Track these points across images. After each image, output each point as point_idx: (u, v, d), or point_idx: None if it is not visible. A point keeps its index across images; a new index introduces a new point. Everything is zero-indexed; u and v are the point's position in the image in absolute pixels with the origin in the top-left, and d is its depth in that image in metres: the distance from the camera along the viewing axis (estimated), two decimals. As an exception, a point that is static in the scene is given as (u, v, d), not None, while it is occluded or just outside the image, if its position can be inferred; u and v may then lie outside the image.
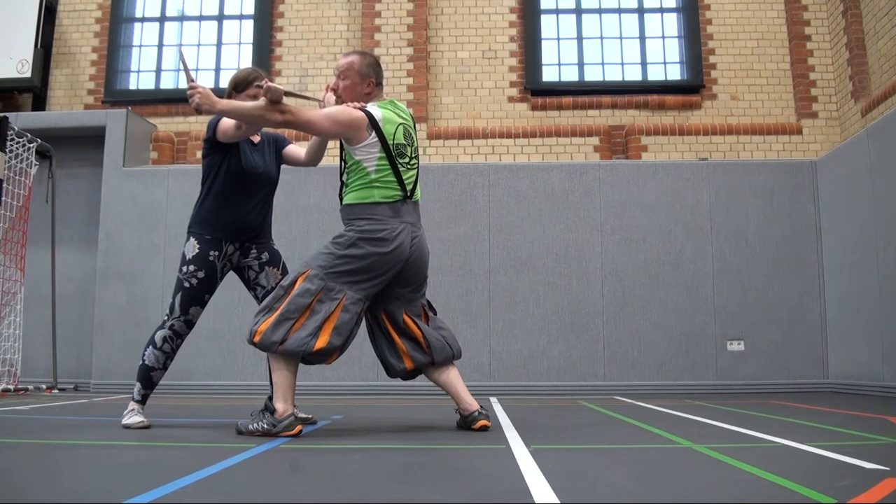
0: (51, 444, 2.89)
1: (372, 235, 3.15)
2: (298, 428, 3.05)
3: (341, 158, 3.36)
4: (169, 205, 6.70)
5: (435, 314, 3.50)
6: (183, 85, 7.71)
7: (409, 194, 3.26)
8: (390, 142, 3.20)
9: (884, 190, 5.64)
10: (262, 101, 3.13)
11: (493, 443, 2.90)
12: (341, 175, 3.35)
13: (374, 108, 3.23)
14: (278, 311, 3.07)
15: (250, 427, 3.10)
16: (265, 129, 3.72)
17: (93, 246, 6.92)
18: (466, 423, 3.32)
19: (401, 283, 3.30)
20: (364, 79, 3.32)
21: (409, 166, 3.29)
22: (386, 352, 3.35)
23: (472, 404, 3.33)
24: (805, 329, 6.39)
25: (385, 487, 1.99)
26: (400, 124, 3.28)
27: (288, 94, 3.18)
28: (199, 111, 3.15)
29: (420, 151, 7.06)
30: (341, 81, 3.33)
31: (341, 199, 3.31)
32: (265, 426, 3.06)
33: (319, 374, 6.09)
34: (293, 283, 3.13)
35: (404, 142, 3.27)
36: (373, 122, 3.18)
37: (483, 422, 3.28)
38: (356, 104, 3.26)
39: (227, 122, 3.34)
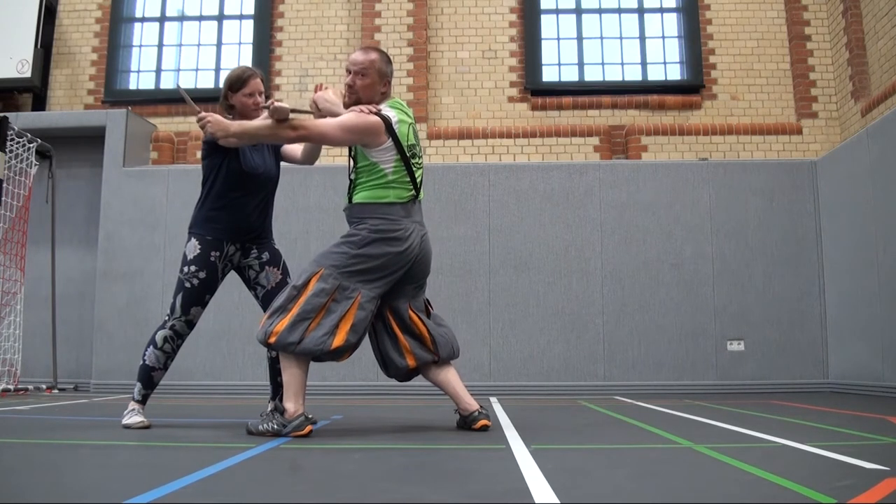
0: (51, 444, 2.89)
1: (387, 235, 3.16)
2: (308, 428, 3.04)
3: (350, 157, 3.34)
4: (169, 205, 6.70)
5: (433, 310, 3.51)
6: (183, 85, 7.73)
7: (417, 194, 3.30)
8: (405, 143, 3.22)
9: (884, 190, 5.64)
10: (270, 120, 3.14)
11: (493, 443, 2.90)
12: (350, 174, 3.34)
13: (389, 111, 3.21)
14: (294, 312, 3.06)
15: (260, 427, 3.10)
16: None
17: (93, 246, 6.92)
18: (466, 423, 3.32)
19: (407, 280, 3.31)
20: (383, 78, 3.29)
21: (418, 166, 3.31)
22: (389, 349, 3.34)
23: (471, 404, 3.33)
24: (805, 329, 6.39)
25: (385, 487, 1.99)
26: (409, 124, 3.30)
27: (294, 110, 3.19)
28: (213, 139, 3.20)
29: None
30: (359, 79, 3.26)
31: (350, 199, 3.29)
32: (275, 427, 3.05)
33: (319, 374, 6.09)
34: (307, 282, 3.11)
35: (414, 142, 3.31)
36: (389, 127, 3.16)
37: (483, 421, 3.28)
38: (370, 107, 3.21)
39: None
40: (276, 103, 3.13)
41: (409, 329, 3.33)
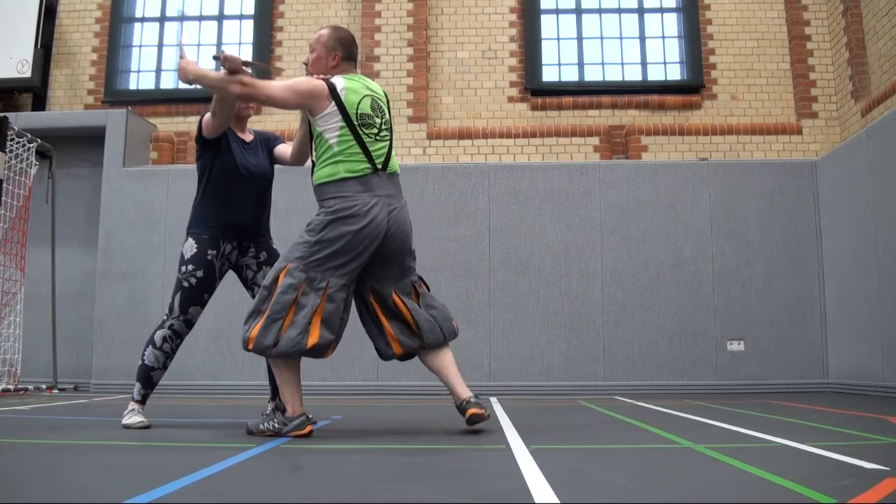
0: (51, 444, 2.89)
1: (341, 214, 3.03)
2: (308, 428, 3.02)
3: (310, 136, 3.29)
4: (169, 205, 6.70)
5: (427, 289, 3.38)
6: (183, 86, 7.73)
7: (380, 167, 3.14)
8: (353, 111, 3.10)
9: (884, 190, 5.64)
10: (223, 72, 3.13)
11: (493, 443, 2.90)
12: (312, 155, 3.28)
13: (336, 79, 3.16)
14: (266, 314, 3.01)
15: (261, 427, 3.10)
16: (257, 130, 3.76)
17: (93, 246, 6.92)
18: (459, 411, 3.23)
19: (385, 261, 3.18)
20: (329, 52, 3.24)
21: (378, 138, 3.16)
22: (376, 336, 3.26)
23: (463, 392, 3.20)
24: (805, 329, 6.39)
25: (385, 487, 1.99)
26: (366, 96, 3.17)
27: (246, 63, 3.17)
28: (185, 81, 3.20)
29: (420, 151, 7.12)
30: (310, 55, 3.30)
31: (313, 182, 3.22)
32: (276, 426, 3.05)
33: (319, 374, 6.09)
34: (275, 280, 3.06)
35: (370, 112, 3.15)
36: (333, 92, 3.09)
37: (473, 410, 3.12)
38: (319, 76, 3.21)
39: (207, 116, 3.40)
40: (227, 54, 3.12)
41: (394, 314, 3.22)
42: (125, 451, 2.80)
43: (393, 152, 3.24)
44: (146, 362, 3.45)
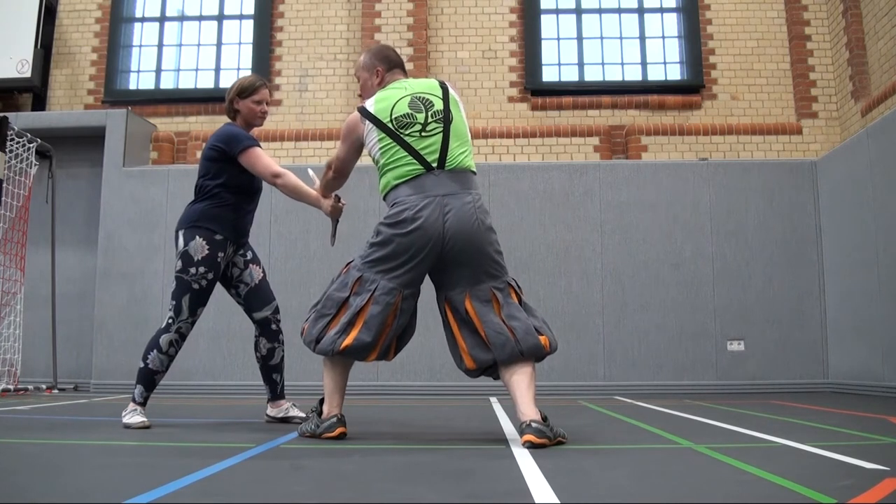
0: (51, 444, 2.89)
1: (392, 220, 2.90)
2: (339, 430, 2.95)
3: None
4: (169, 205, 6.69)
5: (518, 299, 3.03)
6: (183, 84, 7.74)
7: (435, 164, 2.92)
8: (387, 118, 2.97)
9: (884, 190, 5.64)
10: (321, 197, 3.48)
11: (493, 443, 2.90)
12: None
13: (368, 100, 3.11)
14: (318, 307, 3.03)
15: (302, 429, 3.12)
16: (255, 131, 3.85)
17: (93, 246, 6.92)
18: (518, 433, 2.89)
19: (452, 265, 2.94)
20: (371, 71, 3.20)
21: (424, 134, 2.95)
22: (451, 347, 3.03)
23: (525, 412, 2.78)
24: (805, 329, 6.39)
25: (385, 487, 1.99)
26: (403, 97, 3.01)
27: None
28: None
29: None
30: (359, 85, 3.29)
31: None
32: (312, 428, 3.06)
33: (319, 374, 6.07)
34: (338, 274, 3.07)
35: (408, 111, 2.97)
36: (364, 112, 3.05)
37: (528, 437, 2.68)
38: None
39: (285, 175, 3.49)
40: (342, 204, 3.49)
41: (467, 324, 2.95)
42: (125, 451, 2.80)
43: (455, 144, 2.97)
44: (150, 366, 3.45)
